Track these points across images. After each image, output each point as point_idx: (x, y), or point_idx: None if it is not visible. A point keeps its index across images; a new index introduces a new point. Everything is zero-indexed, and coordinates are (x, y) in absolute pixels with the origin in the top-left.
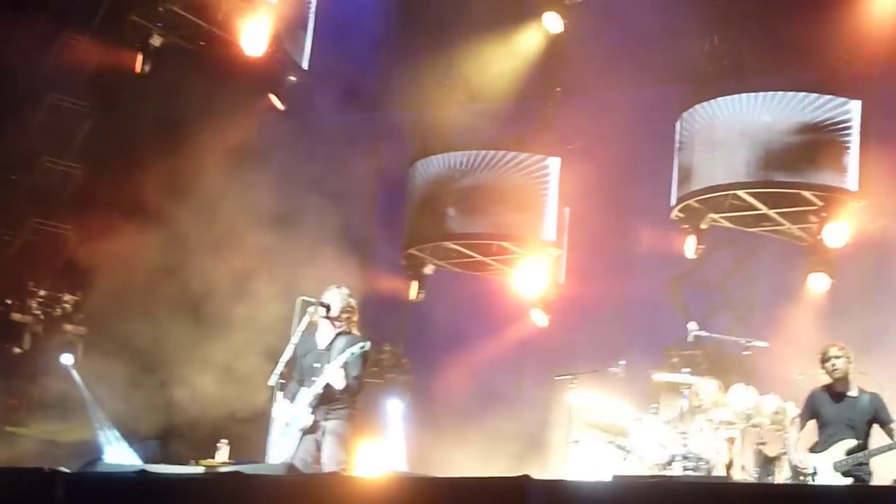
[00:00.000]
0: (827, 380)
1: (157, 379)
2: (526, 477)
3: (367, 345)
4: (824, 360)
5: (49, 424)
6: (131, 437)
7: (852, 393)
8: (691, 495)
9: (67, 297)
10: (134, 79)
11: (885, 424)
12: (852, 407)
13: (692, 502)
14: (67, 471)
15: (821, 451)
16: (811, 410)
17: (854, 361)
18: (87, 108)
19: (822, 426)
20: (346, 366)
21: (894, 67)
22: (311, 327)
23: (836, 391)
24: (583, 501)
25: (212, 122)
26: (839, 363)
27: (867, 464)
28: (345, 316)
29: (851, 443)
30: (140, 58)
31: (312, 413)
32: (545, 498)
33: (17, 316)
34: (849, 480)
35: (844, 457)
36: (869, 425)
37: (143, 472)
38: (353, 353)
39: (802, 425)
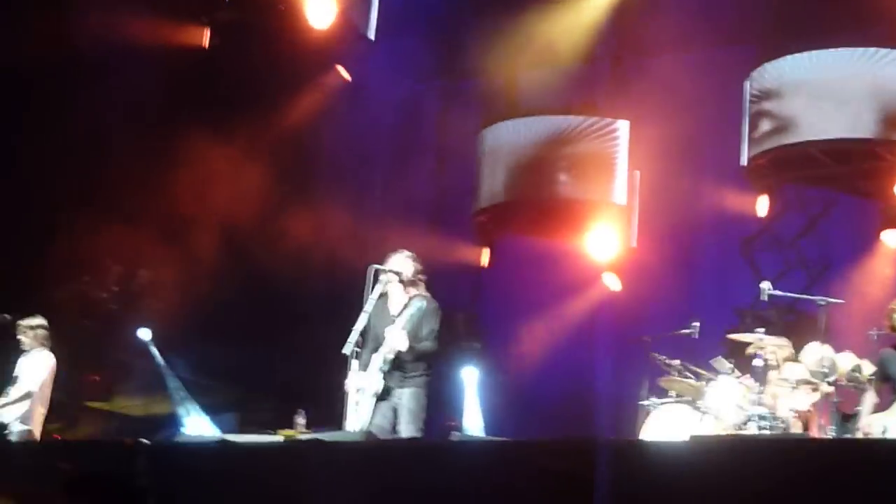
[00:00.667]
0: None
1: (233, 351)
2: (594, 437)
3: (424, 304)
4: (890, 319)
5: (129, 399)
6: (210, 408)
7: None
8: (768, 454)
9: (143, 273)
10: (202, 54)
11: None
12: None
13: (769, 460)
14: (148, 442)
15: (887, 410)
16: (882, 372)
17: None
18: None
19: (893, 386)
20: (410, 328)
21: None
22: (385, 295)
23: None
24: (651, 461)
25: (281, 96)
26: None
27: None
28: (419, 280)
29: None
30: (207, 32)
31: (384, 378)
32: (614, 458)
33: (94, 292)
34: None
35: None
36: None
37: (223, 441)
38: (411, 315)
39: (876, 388)
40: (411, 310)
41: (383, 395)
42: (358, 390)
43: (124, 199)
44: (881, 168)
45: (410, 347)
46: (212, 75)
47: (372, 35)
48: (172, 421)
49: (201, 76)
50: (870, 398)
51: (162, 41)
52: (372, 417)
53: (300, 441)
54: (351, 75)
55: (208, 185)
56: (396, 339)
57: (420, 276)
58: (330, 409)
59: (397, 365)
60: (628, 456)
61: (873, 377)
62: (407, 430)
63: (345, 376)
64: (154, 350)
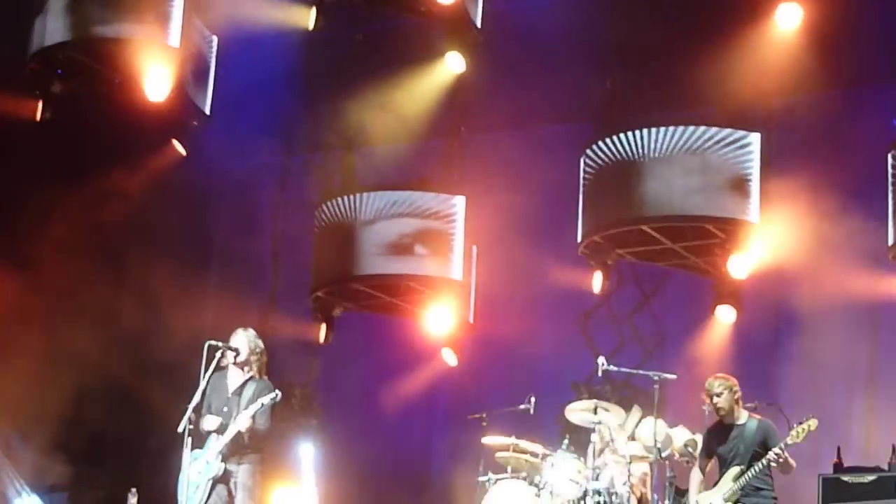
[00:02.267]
0: None
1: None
2: None
3: (278, 395)
4: (708, 397)
5: None
6: (41, 488)
7: (741, 421)
8: None
9: None
10: (34, 127)
11: (769, 450)
12: (740, 435)
13: None
14: None
15: (714, 487)
16: (707, 449)
17: (737, 391)
18: None
19: (719, 463)
20: (255, 415)
21: (792, 101)
22: (221, 372)
23: (725, 424)
24: None
25: (115, 168)
26: (720, 400)
27: (766, 489)
28: (254, 359)
29: (736, 470)
30: (41, 105)
31: (223, 461)
32: None
33: None
34: None
35: (731, 484)
36: (758, 452)
37: None
38: (263, 405)
39: (701, 465)
40: (263, 398)
41: (221, 478)
42: (199, 472)
43: None
44: (713, 245)
45: (252, 432)
46: (44, 148)
47: (208, 110)
48: (2, 500)
49: (33, 149)
50: (696, 475)
51: None
52: (207, 498)
53: None
54: (187, 150)
55: (37, 261)
56: (243, 423)
57: (255, 356)
58: (163, 488)
59: (234, 447)
60: None
61: (699, 455)
62: None
63: (179, 454)
64: None
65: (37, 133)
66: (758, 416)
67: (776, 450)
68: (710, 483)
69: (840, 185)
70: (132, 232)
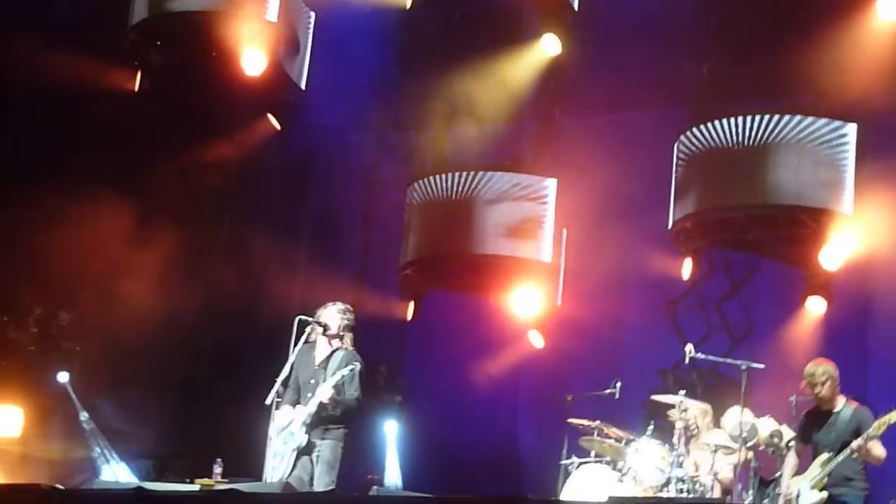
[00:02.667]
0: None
1: (153, 398)
2: (522, 496)
3: (358, 366)
4: (810, 385)
5: (46, 443)
6: (128, 455)
7: (837, 408)
8: None
9: (63, 314)
10: (133, 97)
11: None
12: (834, 423)
13: None
14: (63, 488)
15: (803, 474)
16: (802, 434)
17: (836, 377)
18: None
19: (813, 449)
20: (340, 386)
21: (888, 90)
22: (309, 345)
23: (822, 411)
24: None
25: (211, 140)
26: (823, 389)
27: (857, 479)
28: (343, 333)
29: (825, 456)
30: (139, 76)
31: (307, 433)
32: None
33: (13, 333)
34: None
35: (818, 471)
36: (849, 440)
37: (139, 489)
38: (343, 376)
39: (797, 450)
40: (343, 372)
41: (305, 449)
42: (284, 443)
43: (45, 238)
44: (805, 235)
45: (336, 403)
46: (142, 118)
47: (304, 85)
48: (90, 466)
49: (132, 119)
50: (790, 460)
51: (92, 84)
52: (292, 469)
53: (216, 491)
54: (282, 125)
55: (135, 230)
56: (326, 396)
57: (346, 330)
58: (249, 459)
59: (319, 419)
60: None
61: (795, 440)
62: (320, 480)
63: (266, 426)
64: (72, 394)
65: (136, 103)
66: (855, 404)
67: (858, 440)
68: (804, 469)
69: None
70: (227, 202)
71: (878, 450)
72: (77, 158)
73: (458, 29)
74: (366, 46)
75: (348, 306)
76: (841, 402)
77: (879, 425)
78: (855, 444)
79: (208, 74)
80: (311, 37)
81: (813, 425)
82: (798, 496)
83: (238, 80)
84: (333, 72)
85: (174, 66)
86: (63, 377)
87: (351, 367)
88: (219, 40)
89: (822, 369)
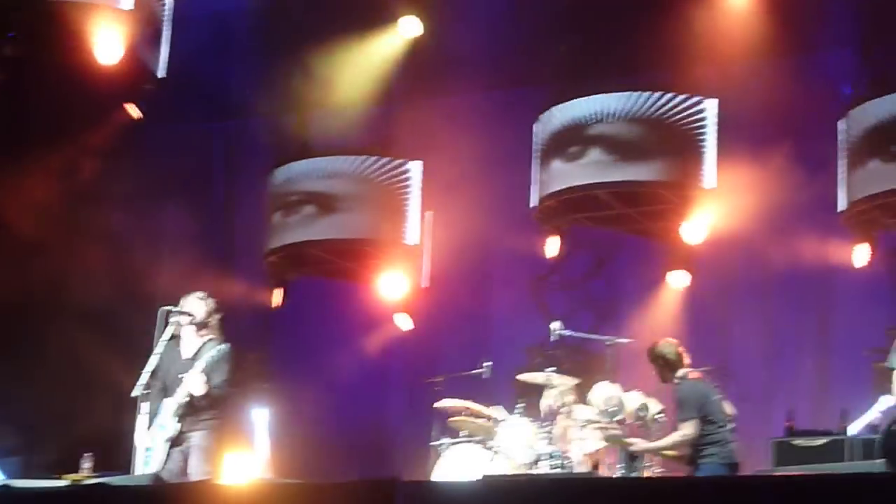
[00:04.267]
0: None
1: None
2: (394, 478)
3: (224, 348)
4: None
5: None
6: None
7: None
8: (556, 491)
9: None
10: None
11: None
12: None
13: (557, 498)
14: None
15: None
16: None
17: (667, 355)
18: None
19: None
20: (207, 372)
21: (749, 66)
22: (175, 337)
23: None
24: (450, 501)
25: (69, 134)
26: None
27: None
28: (211, 321)
29: None
30: None
31: (179, 423)
32: (413, 499)
33: None
34: None
35: None
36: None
37: (5, 486)
38: (211, 357)
39: None
40: (210, 354)
41: (176, 441)
42: (153, 436)
43: None
44: (667, 210)
45: (206, 393)
46: None
47: (162, 73)
48: None
49: None
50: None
51: None
52: (165, 462)
53: (85, 485)
54: (141, 113)
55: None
56: (194, 385)
57: (213, 318)
58: (118, 453)
59: (190, 409)
60: (424, 496)
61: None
62: (199, 469)
63: (134, 419)
64: None
65: None
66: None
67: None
68: None
69: (793, 151)
70: (90, 195)
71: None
72: None
73: (318, 11)
74: (225, 32)
75: (209, 295)
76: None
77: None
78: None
79: (64, 66)
80: (168, 24)
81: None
82: None
83: (95, 70)
84: (192, 59)
85: (29, 58)
86: None
87: (218, 348)
88: (73, 30)
89: (651, 354)
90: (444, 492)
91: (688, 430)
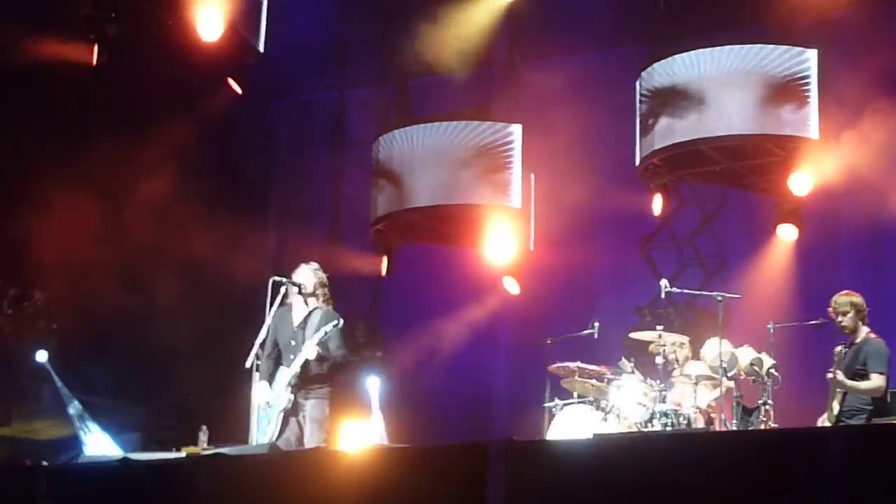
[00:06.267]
0: None
1: (133, 370)
2: (509, 439)
3: (341, 321)
4: (833, 313)
5: (29, 423)
6: (113, 428)
7: (858, 340)
8: (670, 448)
9: (38, 294)
10: (91, 71)
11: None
12: (852, 353)
13: (671, 454)
14: (47, 465)
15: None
16: (836, 368)
17: (862, 309)
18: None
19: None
20: (325, 343)
21: (847, 14)
22: (285, 307)
23: (848, 345)
24: (556, 459)
25: (174, 110)
26: (842, 318)
27: (860, 411)
28: (319, 292)
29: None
30: (96, 49)
31: (292, 393)
32: (509, 459)
33: None
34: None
35: (834, 400)
36: (860, 370)
37: (124, 460)
38: (326, 332)
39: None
40: (325, 326)
41: (291, 411)
42: (268, 405)
43: (13, 218)
44: (773, 163)
45: (322, 360)
46: (102, 92)
47: (262, 47)
48: (75, 443)
49: (91, 93)
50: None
51: (49, 59)
52: (280, 432)
53: (203, 456)
54: (242, 88)
55: (102, 203)
56: (311, 354)
57: (322, 288)
58: (234, 425)
59: (304, 380)
60: (533, 456)
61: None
62: (311, 439)
63: (248, 390)
64: (52, 372)
65: (95, 77)
66: (874, 336)
67: (829, 374)
68: None
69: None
70: (195, 171)
71: (864, 386)
72: (36, 137)
73: None
74: (322, 3)
75: (319, 265)
76: (862, 334)
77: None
78: (830, 376)
79: (166, 44)
80: None
81: (841, 358)
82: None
83: (196, 47)
84: (291, 31)
85: (131, 38)
86: (42, 356)
87: (334, 322)
88: (174, 8)
89: (846, 299)
90: (552, 451)
91: (881, 382)
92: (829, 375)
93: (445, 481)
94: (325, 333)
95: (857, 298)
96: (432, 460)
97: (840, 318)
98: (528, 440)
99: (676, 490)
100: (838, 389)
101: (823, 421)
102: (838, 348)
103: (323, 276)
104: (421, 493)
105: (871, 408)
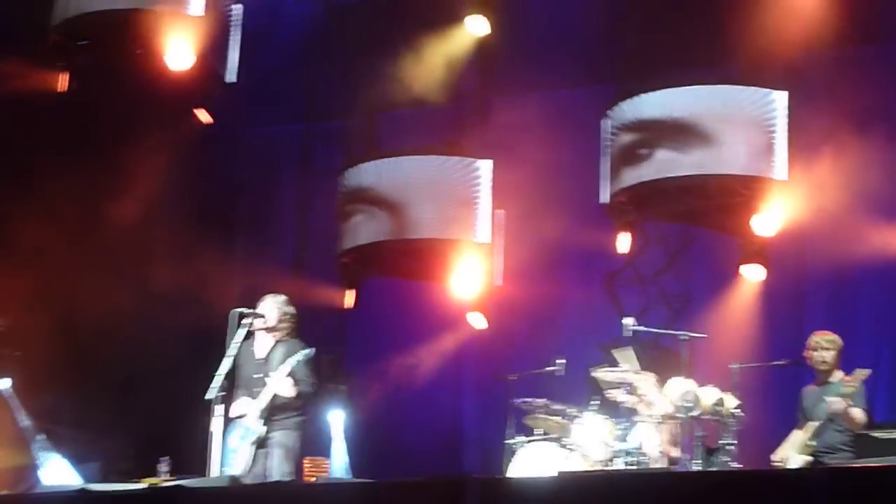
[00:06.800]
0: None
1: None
2: (465, 475)
3: (311, 351)
4: (813, 349)
5: None
6: (72, 458)
7: (833, 380)
8: (632, 486)
9: (0, 321)
10: (56, 98)
11: None
12: (825, 394)
13: (633, 493)
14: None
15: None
16: (802, 412)
17: (841, 350)
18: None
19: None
20: (294, 374)
21: (818, 56)
22: (249, 340)
23: (817, 386)
24: (520, 497)
25: (141, 140)
26: (823, 354)
27: (843, 450)
28: (282, 325)
29: (812, 425)
30: (62, 77)
31: (264, 425)
32: (484, 495)
33: None
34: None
35: (801, 436)
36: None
37: (83, 490)
38: (298, 361)
39: (799, 426)
40: (297, 356)
41: (261, 443)
42: (242, 438)
43: None
44: (738, 203)
45: (296, 394)
46: (71, 119)
47: (232, 78)
48: (33, 472)
49: (59, 120)
50: (793, 435)
51: (17, 86)
52: (251, 466)
53: (162, 488)
54: (211, 118)
55: (65, 232)
56: (281, 387)
57: (286, 320)
58: (196, 455)
59: (273, 409)
60: (497, 492)
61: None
62: (280, 467)
63: (209, 422)
64: (13, 400)
65: (62, 105)
66: (849, 379)
67: (832, 397)
68: None
69: (867, 141)
70: (161, 200)
71: (857, 413)
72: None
73: (384, 13)
74: (292, 35)
75: (286, 297)
76: (837, 376)
77: (848, 382)
78: (829, 400)
79: (135, 73)
80: (237, 30)
81: (809, 400)
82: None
83: (165, 77)
84: (261, 63)
85: (100, 66)
86: (4, 384)
87: (306, 352)
88: (143, 37)
89: (833, 337)
90: (516, 488)
91: (865, 417)
92: (829, 399)
93: None
94: (297, 362)
95: (840, 340)
96: (406, 495)
97: (823, 354)
98: (500, 476)
99: None
100: (815, 423)
101: (785, 457)
102: (809, 387)
103: (288, 308)
104: None
105: (853, 449)
